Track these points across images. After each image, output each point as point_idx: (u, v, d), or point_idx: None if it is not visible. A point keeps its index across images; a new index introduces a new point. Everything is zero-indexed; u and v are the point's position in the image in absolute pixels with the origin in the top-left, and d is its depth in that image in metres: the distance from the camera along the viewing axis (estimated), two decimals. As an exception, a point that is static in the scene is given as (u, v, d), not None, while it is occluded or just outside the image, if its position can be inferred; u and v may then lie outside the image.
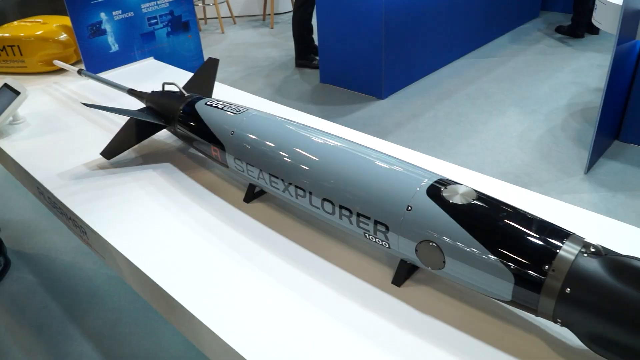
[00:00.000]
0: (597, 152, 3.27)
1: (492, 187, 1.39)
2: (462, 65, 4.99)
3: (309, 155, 1.22)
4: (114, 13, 2.50)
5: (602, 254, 0.88)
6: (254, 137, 1.33)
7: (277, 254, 1.25)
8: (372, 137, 1.67)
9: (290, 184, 1.24)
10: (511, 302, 0.96)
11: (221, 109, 1.47)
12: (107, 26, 2.48)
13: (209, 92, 1.84)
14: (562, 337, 0.99)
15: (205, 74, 1.87)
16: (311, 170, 1.20)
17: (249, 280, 1.17)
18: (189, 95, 1.62)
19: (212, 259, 1.25)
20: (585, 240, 0.92)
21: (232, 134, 1.38)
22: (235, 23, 6.91)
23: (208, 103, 1.53)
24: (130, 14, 2.57)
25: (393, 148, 1.61)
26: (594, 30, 5.59)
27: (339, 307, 1.09)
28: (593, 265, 0.87)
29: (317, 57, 4.88)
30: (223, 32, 6.51)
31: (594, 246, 0.90)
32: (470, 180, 1.39)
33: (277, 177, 1.27)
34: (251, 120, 1.39)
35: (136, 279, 1.29)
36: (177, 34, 2.81)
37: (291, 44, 5.29)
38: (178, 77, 2.16)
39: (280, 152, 1.27)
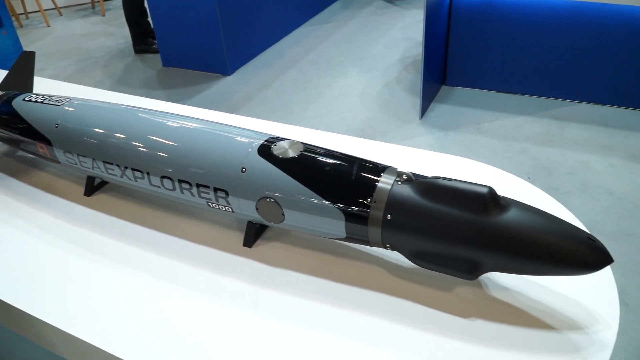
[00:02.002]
0: (428, 99, 3.59)
1: (341, 143, 1.47)
2: (302, 34, 5.12)
3: (139, 135, 1.21)
4: None
5: (412, 179, 1.00)
6: (80, 126, 1.28)
7: (126, 241, 1.23)
8: (223, 114, 1.67)
9: (126, 167, 1.22)
10: (347, 239, 1.06)
11: (41, 102, 1.39)
12: None
13: (28, 88, 1.72)
14: (396, 261, 1.11)
15: (21, 70, 1.74)
16: (144, 150, 1.19)
17: (100, 273, 1.15)
18: (3, 93, 1.50)
19: (57, 259, 1.19)
20: (398, 170, 1.03)
21: (56, 127, 1.32)
22: (61, 14, 6.38)
23: (26, 98, 1.43)
24: None
25: (244, 121, 1.62)
26: (417, -12, 6.04)
27: (195, 279, 1.11)
28: (406, 190, 0.98)
29: (156, 41, 4.71)
30: (49, 26, 5.99)
31: (406, 174, 1.01)
32: (321, 140, 1.44)
33: (111, 163, 1.24)
34: (75, 109, 1.33)
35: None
36: (-15, 31, 2.55)
37: (126, 30, 5.03)
38: (-7, 78, 1.97)
39: (110, 137, 1.24)
